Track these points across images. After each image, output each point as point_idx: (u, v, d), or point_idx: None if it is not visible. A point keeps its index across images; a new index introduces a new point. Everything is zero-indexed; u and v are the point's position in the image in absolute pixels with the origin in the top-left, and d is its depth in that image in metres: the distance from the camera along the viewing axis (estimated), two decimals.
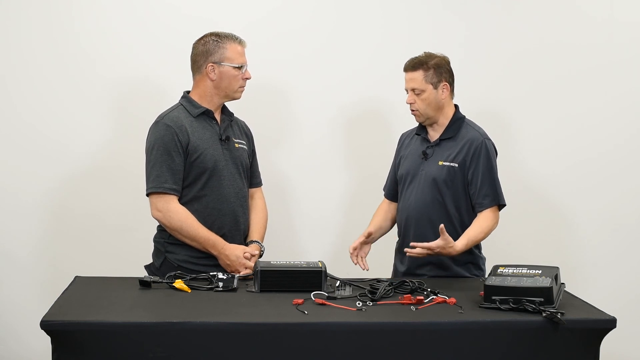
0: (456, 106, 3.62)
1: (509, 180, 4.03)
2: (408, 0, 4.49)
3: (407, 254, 3.37)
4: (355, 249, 3.58)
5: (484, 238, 3.48)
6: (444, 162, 3.53)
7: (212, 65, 3.42)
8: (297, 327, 2.69)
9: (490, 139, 3.56)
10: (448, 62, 3.56)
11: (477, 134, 3.54)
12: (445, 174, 3.51)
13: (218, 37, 3.44)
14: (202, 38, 3.48)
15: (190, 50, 3.48)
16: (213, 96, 3.46)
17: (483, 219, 3.47)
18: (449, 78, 3.55)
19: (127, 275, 3.26)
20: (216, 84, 3.44)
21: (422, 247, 3.31)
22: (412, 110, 3.57)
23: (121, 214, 4.34)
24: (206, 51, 3.43)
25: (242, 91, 3.49)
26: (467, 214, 3.52)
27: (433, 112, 3.54)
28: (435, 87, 3.51)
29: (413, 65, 3.53)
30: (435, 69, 3.51)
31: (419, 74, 3.51)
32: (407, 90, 3.57)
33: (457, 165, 3.51)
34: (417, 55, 3.56)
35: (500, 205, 3.51)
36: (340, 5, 4.47)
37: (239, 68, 3.44)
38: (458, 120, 3.59)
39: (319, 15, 4.45)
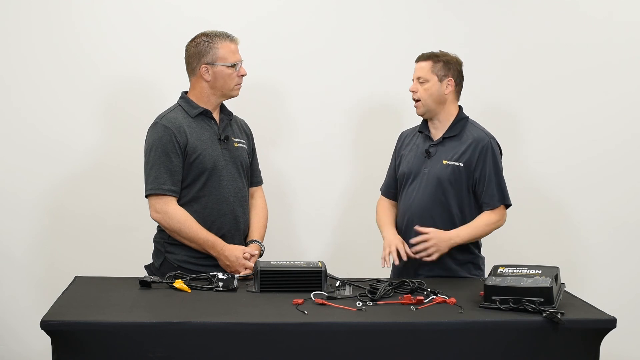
0: (460, 107, 3.63)
1: (509, 180, 4.03)
2: (408, 0, 4.49)
3: (415, 256, 3.40)
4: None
5: (486, 231, 3.50)
6: (449, 161, 3.53)
7: (206, 67, 3.41)
8: (297, 327, 2.69)
9: (495, 139, 3.58)
10: (460, 63, 3.59)
11: (483, 134, 3.55)
12: (450, 173, 3.51)
13: (209, 38, 3.42)
14: (193, 39, 3.46)
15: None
16: (210, 96, 3.46)
17: (486, 215, 3.50)
18: (457, 77, 3.57)
19: (127, 275, 3.27)
20: (212, 84, 3.43)
21: (419, 241, 3.38)
22: (415, 101, 3.58)
23: (121, 214, 4.34)
24: (198, 53, 3.41)
25: (239, 88, 3.48)
26: (470, 215, 3.53)
27: (434, 104, 3.55)
28: (440, 80, 3.53)
29: (424, 56, 3.58)
30: (444, 62, 3.55)
31: (427, 64, 3.55)
32: (413, 81, 3.59)
33: (462, 164, 3.51)
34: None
35: (507, 205, 3.53)
36: (341, 5, 4.47)
37: (233, 66, 3.43)
38: (462, 119, 3.59)
39: (319, 15, 4.45)
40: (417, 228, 3.44)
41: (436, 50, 3.61)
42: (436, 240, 3.43)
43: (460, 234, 3.47)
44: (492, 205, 3.50)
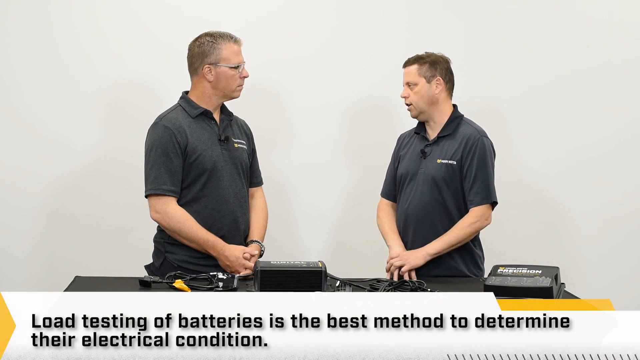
0: (455, 106, 3.63)
1: (508, 180, 4.04)
2: (408, 0, 4.49)
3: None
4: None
5: (466, 233, 3.47)
6: (442, 159, 3.53)
7: (209, 67, 3.41)
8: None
9: (488, 138, 3.57)
10: (447, 61, 3.58)
11: (474, 131, 3.55)
12: (444, 172, 3.51)
13: (213, 38, 3.42)
14: (197, 39, 3.46)
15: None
16: (211, 97, 3.46)
17: (465, 218, 3.48)
18: (446, 76, 3.56)
19: (127, 275, 3.27)
20: (214, 85, 3.43)
21: (388, 267, 3.44)
22: (407, 105, 3.59)
23: (121, 214, 4.34)
24: (201, 53, 3.41)
25: (240, 90, 3.49)
26: None
27: (426, 105, 3.55)
28: (428, 81, 3.54)
29: (410, 60, 3.59)
30: (430, 63, 3.55)
31: (413, 68, 3.56)
32: (404, 87, 3.60)
33: (455, 162, 3.51)
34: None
35: (494, 203, 3.52)
36: (341, 5, 4.47)
37: (236, 68, 3.43)
38: (456, 118, 3.60)
39: (319, 15, 4.45)
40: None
41: (436, 50, 3.62)
42: (402, 255, 3.43)
43: (433, 244, 3.45)
44: (476, 203, 3.48)
